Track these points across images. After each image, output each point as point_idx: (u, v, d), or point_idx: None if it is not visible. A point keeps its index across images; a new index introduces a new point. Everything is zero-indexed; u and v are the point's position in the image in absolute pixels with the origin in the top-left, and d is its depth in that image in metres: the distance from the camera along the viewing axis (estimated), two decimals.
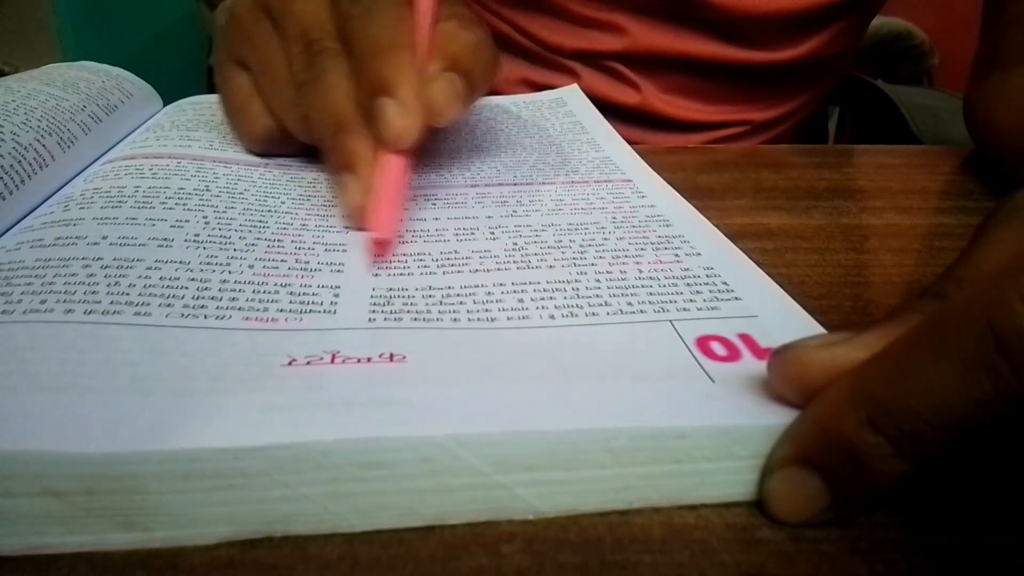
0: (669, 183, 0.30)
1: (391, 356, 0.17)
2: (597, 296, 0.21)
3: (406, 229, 0.25)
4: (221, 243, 0.23)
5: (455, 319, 0.19)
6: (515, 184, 0.30)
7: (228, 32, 0.31)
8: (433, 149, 0.34)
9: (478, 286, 0.21)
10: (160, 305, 0.19)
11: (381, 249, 0.23)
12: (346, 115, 0.25)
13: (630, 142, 0.36)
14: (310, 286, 0.21)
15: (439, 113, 0.25)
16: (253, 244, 0.23)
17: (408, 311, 0.20)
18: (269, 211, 0.26)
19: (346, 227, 0.25)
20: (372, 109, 0.24)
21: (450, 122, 0.25)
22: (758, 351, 0.18)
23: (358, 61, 0.25)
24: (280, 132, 0.30)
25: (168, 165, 0.29)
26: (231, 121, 0.32)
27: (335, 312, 0.20)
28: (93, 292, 0.19)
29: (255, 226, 0.24)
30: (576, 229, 0.25)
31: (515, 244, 0.24)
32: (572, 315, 0.20)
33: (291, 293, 0.20)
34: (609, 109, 0.42)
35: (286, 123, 0.29)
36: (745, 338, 0.19)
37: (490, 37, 0.28)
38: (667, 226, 0.26)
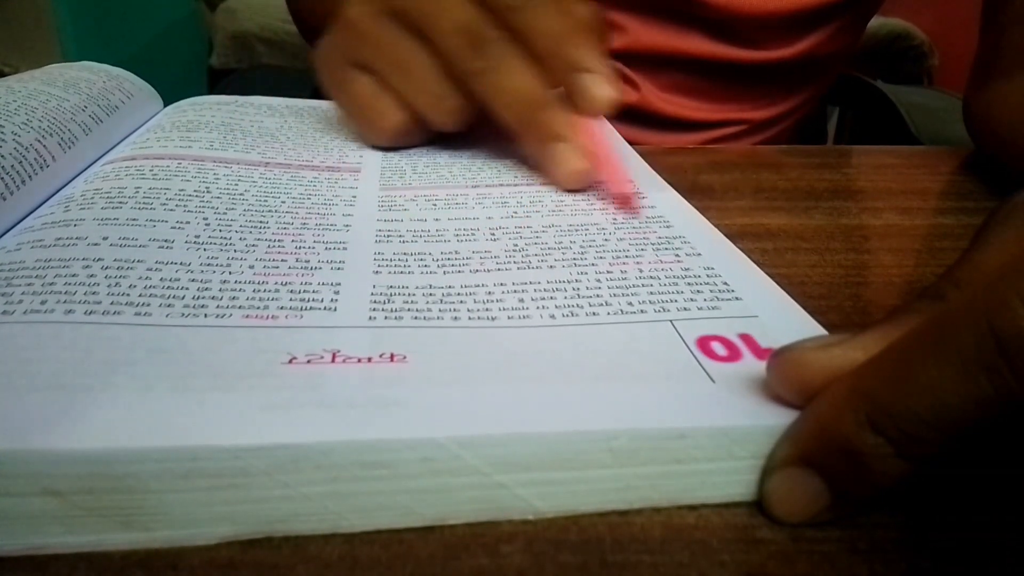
0: (669, 183, 0.30)
1: (391, 356, 0.17)
2: (597, 296, 0.21)
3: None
4: (222, 244, 0.23)
5: (455, 318, 0.20)
6: (516, 185, 0.30)
7: (343, 37, 0.32)
8: (433, 149, 0.34)
9: (479, 286, 0.21)
10: (160, 305, 0.19)
11: (627, 201, 0.27)
12: (542, 93, 0.29)
13: (628, 141, 0.36)
14: (310, 283, 0.21)
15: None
16: (254, 245, 0.23)
17: (408, 309, 0.20)
18: (270, 211, 0.26)
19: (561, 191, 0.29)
20: (573, 85, 0.28)
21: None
22: (758, 351, 0.18)
23: (544, 45, 0.28)
24: (412, 124, 0.32)
25: (169, 166, 0.29)
26: (357, 119, 0.34)
27: (335, 309, 0.20)
28: (94, 293, 0.19)
29: (256, 227, 0.24)
30: (576, 230, 0.25)
31: (516, 245, 0.24)
32: (572, 315, 0.20)
33: (291, 291, 0.20)
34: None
35: (428, 114, 0.32)
36: (745, 338, 0.19)
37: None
38: (667, 227, 0.26)
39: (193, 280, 0.20)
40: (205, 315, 0.19)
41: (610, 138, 0.28)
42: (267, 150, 0.32)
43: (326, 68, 0.33)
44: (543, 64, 0.29)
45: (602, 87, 0.28)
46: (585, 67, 0.28)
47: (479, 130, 0.37)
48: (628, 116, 0.50)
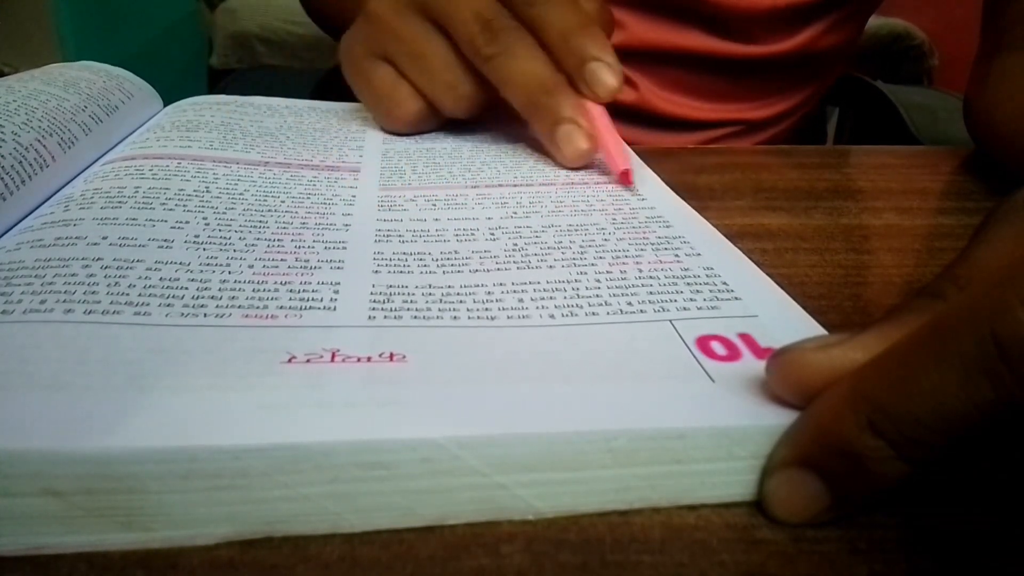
0: (669, 184, 0.30)
1: (391, 356, 0.17)
2: (597, 296, 0.21)
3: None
4: (221, 244, 0.23)
5: (455, 317, 0.20)
6: (515, 185, 0.30)
7: (366, 29, 0.34)
8: (433, 150, 0.34)
9: (478, 286, 0.21)
10: (160, 305, 0.19)
11: (627, 177, 0.29)
12: (553, 78, 0.31)
13: (627, 141, 0.36)
14: (310, 283, 0.21)
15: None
16: (253, 244, 0.23)
17: (408, 309, 0.20)
18: (269, 211, 0.26)
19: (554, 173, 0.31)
20: (582, 72, 0.31)
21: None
22: (758, 351, 0.18)
23: (556, 36, 0.31)
24: (427, 112, 0.35)
25: (168, 166, 0.29)
26: (375, 108, 0.36)
27: (335, 309, 0.20)
28: (93, 292, 0.19)
29: (255, 226, 0.24)
30: (576, 230, 0.25)
31: (515, 245, 0.24)
32: (572, 315, 0.20)
33: (291, 291, 0.20)
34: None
35: (442, 102, 0.34)
36: (745, 338, 0.19)
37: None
38: (667, 227, 0.26)
39: (192, 280, 0.20)
40: (204, 315, 0.19)
41: (610, 121, 0.31)
42: (266, 150, 0.32)
43: (349, 59, 0.35)
44: (552, 53, 0.31)
45: (608, 75, 0.31)
46: (593, 57, 0.31)
47: (478, 128, 0.37)
48: (627, 116, 0.50)
